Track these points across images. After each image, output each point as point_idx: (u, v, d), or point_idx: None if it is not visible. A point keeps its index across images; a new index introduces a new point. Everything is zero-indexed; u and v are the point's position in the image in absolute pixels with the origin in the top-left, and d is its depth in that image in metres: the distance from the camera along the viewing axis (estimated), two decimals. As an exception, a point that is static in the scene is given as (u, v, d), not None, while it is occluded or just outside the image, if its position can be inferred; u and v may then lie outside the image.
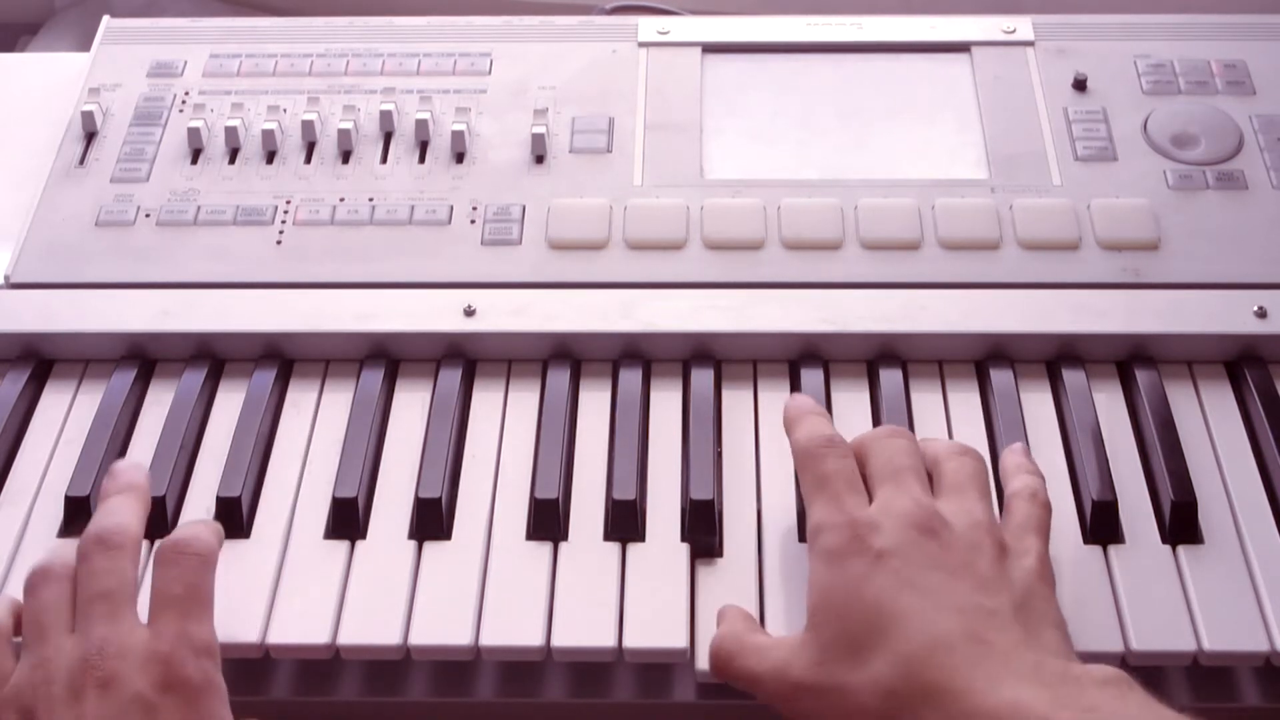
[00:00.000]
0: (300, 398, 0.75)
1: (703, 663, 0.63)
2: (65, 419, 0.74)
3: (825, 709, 0.57)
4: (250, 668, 0.66)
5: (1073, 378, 0.74)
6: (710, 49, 0.89)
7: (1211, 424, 0.72)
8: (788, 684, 0.59)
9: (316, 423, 0.74)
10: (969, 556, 0.59)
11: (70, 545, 0.62)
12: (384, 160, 0.83)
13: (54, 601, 0.59)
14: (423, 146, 0.84)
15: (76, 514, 0.69)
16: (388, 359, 0.76)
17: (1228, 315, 0.74)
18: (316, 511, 0.69)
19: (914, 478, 0.63)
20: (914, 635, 0.56)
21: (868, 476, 0.64)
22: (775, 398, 0.74)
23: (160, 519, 0.68)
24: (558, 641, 0.64)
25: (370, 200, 0.81)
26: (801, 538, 0.66)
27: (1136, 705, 0.54)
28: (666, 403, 0.74)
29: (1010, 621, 0.57)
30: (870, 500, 0.62)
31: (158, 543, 0.61)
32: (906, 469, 0.63)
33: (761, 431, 0.72)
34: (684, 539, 0.68)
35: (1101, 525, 0.67)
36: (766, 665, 0.60)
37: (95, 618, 0.58)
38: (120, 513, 0.62)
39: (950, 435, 0.72)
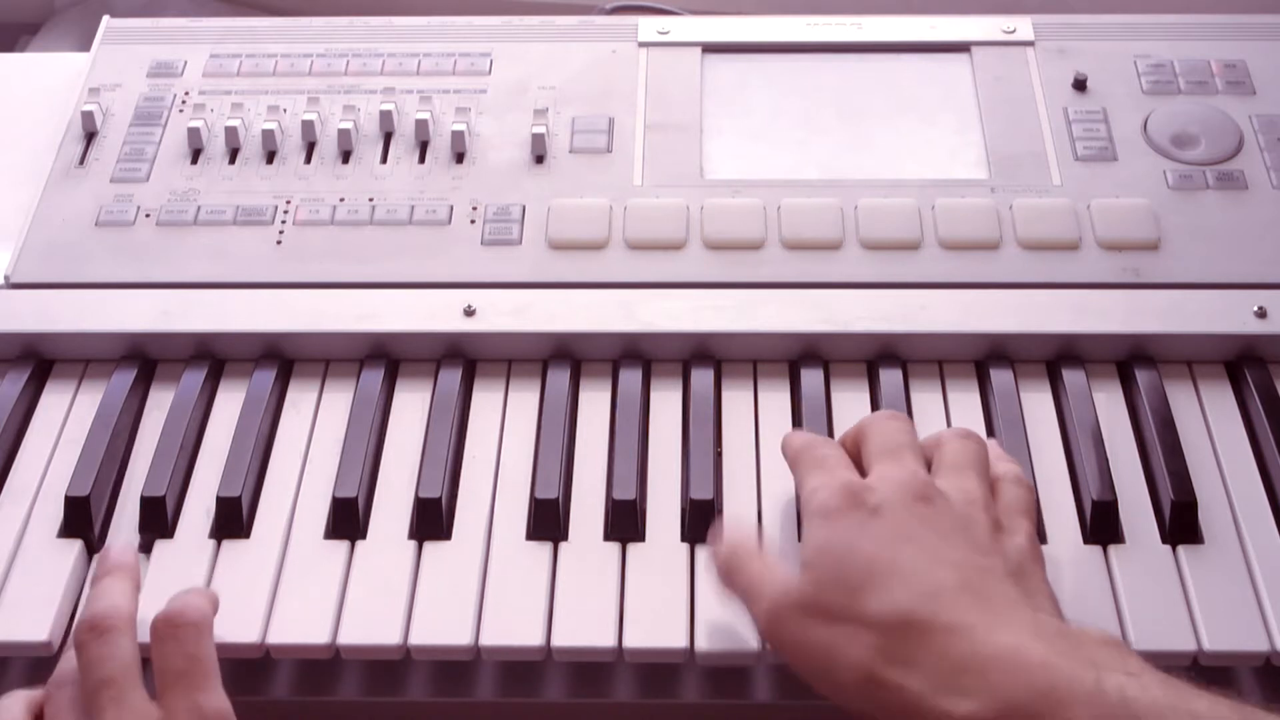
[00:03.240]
0: (300, 398, 0.75)
1: (702, 650, 0.63)
2: (65, 419, 0.74)
3: (815, 637, 0.57)
4: (250, 668, 0.66)
5: (1073, 378, 0.74)
6: (710, 49, 0.89)
7: (1211, 424, 0.72)
8: (786, 601, 0.58)
9: (316, 423, 0.74)
10: (964, 524, 0.59)
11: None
12: (384, 160, 0.83)
13: (70, 702, 0.59)
14: (423, 146, 0.84)
15: (76, 514, 0.69)
16: (388, 359, 0.76)
17: (1228, 315, 0.74)
18: (316, 511, 0.69)
19: (911, 454, 0.63)
20: (911, 581, 0.56)
21: (864, 456, 0.64)
22: (775, 398, 0.74)
23: (160, 519, 0.68)
24: (558, 641, 0.64)
25: (370, 200, 0.81)
26: (800, 510, 0.66)
27: (1136, 664, 0.54)
28: (666, 403, 0.74)
29: (1004, 580, 0.57)
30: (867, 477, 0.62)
31: (151, 620, 0.60)
32: (904, 446, 0.63)
33: (761, 431, 0.72)
34: (684, 539, 0.68)
35: (1101, 525, 0.67)
36: (770, 576, 0.59)
37: (103, 706, 0.57)
38: (109, 595, 0.62)
39: (950, 435, 0.72)
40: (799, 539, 0.66)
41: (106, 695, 0.57)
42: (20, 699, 0.61)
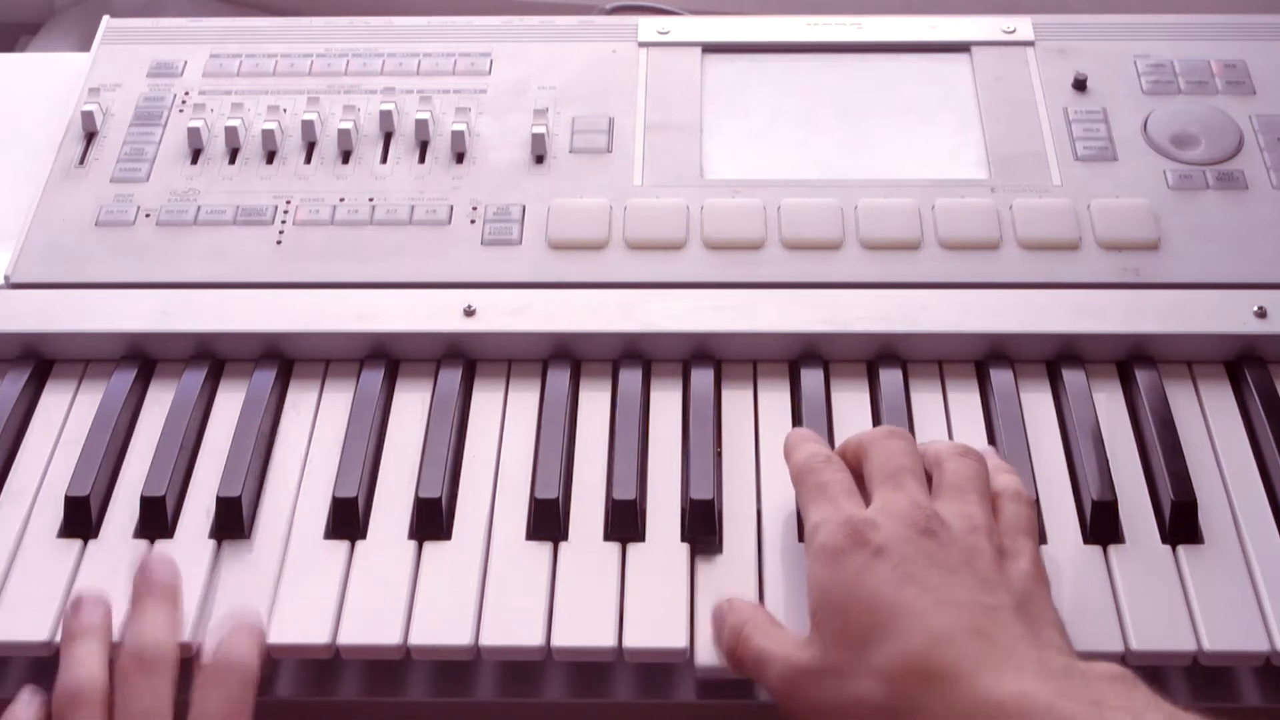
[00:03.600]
0: (300, 398, 0.75)
1: (702, 659, 0.63)
2: (65, 419, 0.74)
3: (826, 699, 0.57)
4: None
5: (1073, 378, 0.74)
6: (710, 49, 0.89)
7: (1211, 424, 0.72)
8: (793, 667, 0.59)
9: (316, 423, 0.74)
10: (967, 557, 0.59)
11: (92, 659, 0.61)
12: (384, 160, 0.83)
13: None
14: (423, 146, 0.84)
15: (76, 514, 0.69)
16: (388, 359, 0.76)
17: (1228, 315, 0.74)
18: (316, 511, 0.69)
19: (912, 478, 0.63)
20: (916, 628, 0.56)
21: (866, 477, 0.64)
22: (775, 398, 0.74)
23: (160, 519, 0.68)
24: (558, 641, 0.64)
25: (370, 200, 0.81)
26: (802, 538, 0.66)
27: (1142, 700, 0.54)
28: (666, 403, 0.74)
29: (1012, 619, 0.57)
30: (868, 505, 0.62)
31: (202, 664, 0.61)
32: (905, 469, 0.63)
33: (761, 431, 0.72)
34: (684, 539, 0.68)
35: (1101, 525, 0.67)
36: (778, 650, 0.60)
37: None
38: (158, 627, 0.62)
39: (950, 435, 0.72)
40: (800, 540, 0.66)
41: None
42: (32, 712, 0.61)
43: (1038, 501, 0.68)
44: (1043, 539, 0.67)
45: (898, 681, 0.55)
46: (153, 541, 0.68)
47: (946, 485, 0.63)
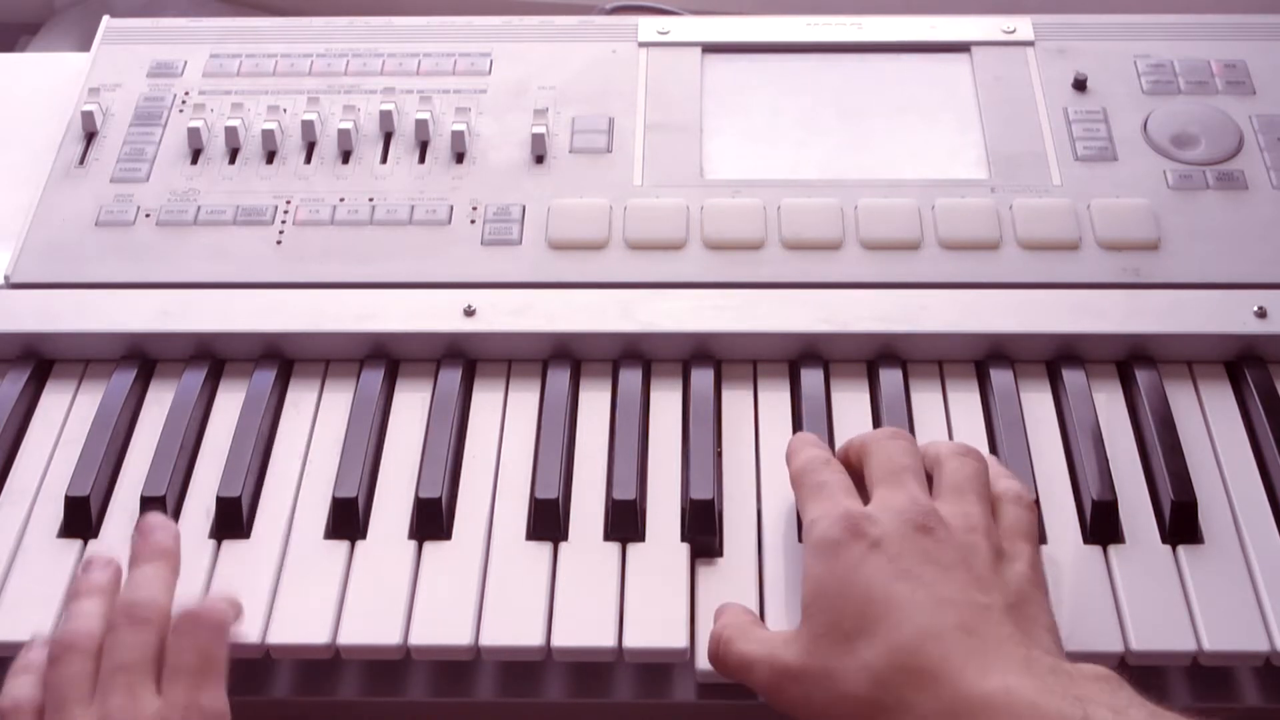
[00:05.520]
0: (300, 398, 0.75)
1: (702, 661, 0.63)
2: (65, 419, 0.74)
3: (813, 696, 0.57)
4: (250, 668, 0.66)
5: (1073, 378, 0.74)
6: (710, 49, 0.89)
7: (1211, 424, 0.72)
8: (778, 669, 0.59)
9: (316, 423, 0.74)
10: (964, 555, 0.59)
11: (93, 613, 0.62)
12: (384, 160, 0.83)
13: (75, 675, 0.60)
14: (423, 146, 0.84)
15: (76, 514, 0.69)
16: (388, 359, 0.76)
17: (1228, 315, 0.74)
18: (316, 511, 0.69)
19: (912, 478, 0.63)
20: (905, 624, 0.56)
21: (866, 477, 0.64)
22: (775, 398, 0.74)
23: (162, 519, 0.68)
24: (558, 641, 0.64)
25: (370, 200, 0.81)
26: (802, 538, 0.66)
27: (1125, 699, 0.54)
28: (666, 403, 0.74)
29: (1002, 618, 0.57)
30: (868, 505, 0.62)
31: (175, 612, 0.62)
32: (905, 469, 0.63)
33: (761, 431, 0.72)
34: (684, 539, 0.68)
35: (1101, 525, 0.67)
36: (760, 652, 0.60)
37: (115, 689, 0.59)
38: (153, 585, 0.63)
39: (950, 435, 0.72)
40: (799, 539, 0.66)
41: (123, 679, 0.59)
42: (33, 670, 0.61)
43: (1037, 502, 0.68)
44: (1043, 539, 0.67)
45: (885, 676, 0.55)
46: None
47: (946, 485, 0.63)
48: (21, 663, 0.62)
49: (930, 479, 0.64)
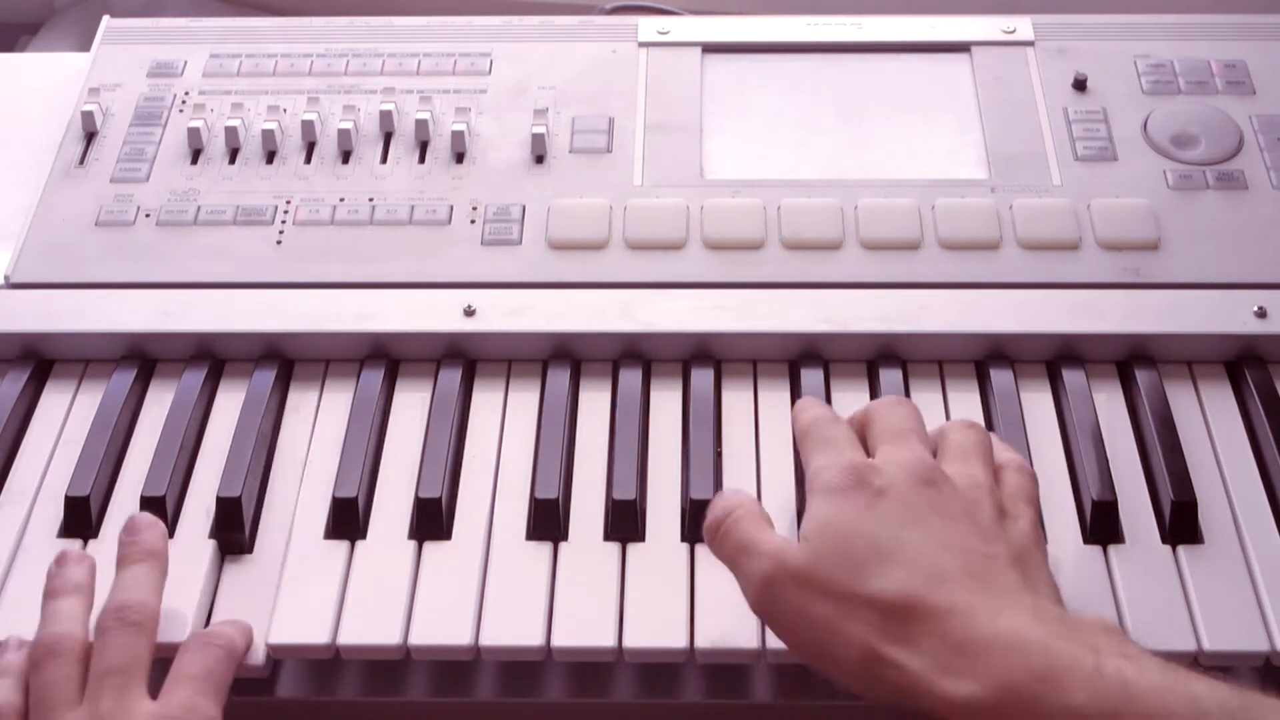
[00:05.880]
0: (300, 398, 0.75)
1: (703, 659, 0.63)
2: (65, 419, 0.74)
3: (813, 609, 0.56)
4: (251, 668, 0.66)
5: (1073, 378, 0.74)
6: (710, 49, 0.89)
7: (1211, 424, 0.72)
8: (783, 564, 0.57)
9: (317, 423, 0.74)
10: (968, 508, 0.59)
11: (73, 614, 0.62)
12: (384, 160, 0.83)
13: (61, 679, 0.60)
14: (423, 146, 0.84)
15: (76, 514, 0.69)
16: (388, 359, 0.76)
17: (1228, 315, 0.74)
18: (316, 511, 0.69)
19: (917, 438, 0.62)
20: (915, 564, 0.56)
21: (870, 439, 0.63)
22: (775, 398, 0.74)
23: (160, 519, 0.68)
24: (558, 641, 0.64)
25: (370, 200, 0.81)
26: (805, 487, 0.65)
27: (1135, 649, 0.54)
28: (666, 403, 0.74)
29: (1007, 567, 0.57)
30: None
31: (190, 634, 0.63)
32: (909, 430, 0.63)
33: (761, 431, 0.72)
34: (684, 539, 0.68)
35: (1101, 525, 0.67)
36: (770, 542, 0.58)
37: (104, 692, 0.59)
38: (142, 587, 0.63)
39: (950, 435, 0.72)
40: (806, 489, 0.65)
41: (112, 682, 0.59)
42: (12, 674, 0.61)
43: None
44: (1043, 538, 0.67)
45: (891, 612, 0.55)
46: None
47: (951, 450, 0.63)
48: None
49: (935, 454, 0.64)
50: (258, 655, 0.64)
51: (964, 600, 0.54)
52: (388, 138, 0.84)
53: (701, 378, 0.74)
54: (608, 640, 0.64)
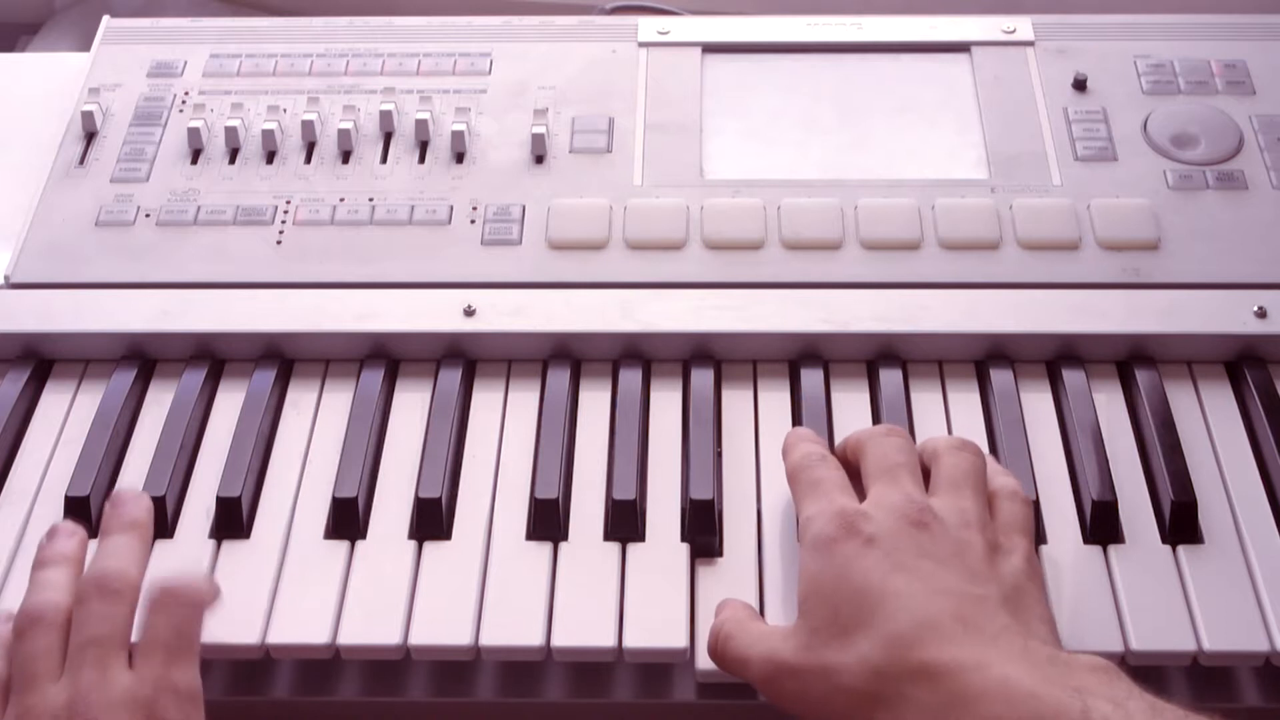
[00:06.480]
0: (300, 398, 0.75)
1: (702, 662, 0.63)
2: (65, 419, 0.74)
3: (811, 691, 0.57)
4: (250, 668, 0.66)
5: (1073, 378, 0.74)
6: (710, 49, 0.89)
7: (1211, 424, 0.72)
8: (774, 665, 0.59)
9: (316, 423, 0.74)
10: (958, 549, 0.59)
11: (59, 584, 0.62)
12: (384, 160, 0.83)
13: (43, 649, 0.59)
14: (423, 146, 0.84)
15: (76, 514, 0.69)
16: (388, 359, 0.76)
17: (1228, 315, 0.74)
18: (316, 511, 0.69)
19: (908, 475, 0.63)
20: (901, 615, 0.56)
21: (862, 474, 0.64)
22: (775, 398, 0.74)
23: (160, 519, 0.68)
24: (558, 641, 0.64)
25: (370, 200, 0.81)
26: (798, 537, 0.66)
27: (1124, 690, 0.54)
28: (666, 403, 0.74)
29: (998, 609, 0.57)
30: (863, 502, 0.62)
31: (150, 584, 0.61)
32: (900, 466, 0.63)
33: (761, 431, 0.72)
34: (684, 539, 0.68)
35: (1101, 525, 0.67)
36: (758, 648, 0.60)
37: (84, 663, 0.58)
38: (123, 556, 0.62)
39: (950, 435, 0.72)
40: (799, 539, 0.66)
41: (92, 653, 0.58)
42: None
43: (1037, 502, 0.68)
44: (1043, 539, 0.67)
45: (882, 668, 0.55)
46: (153, 541, 0.68)
47: (943, 480, 0.63)
48: None
49: (927, 474, 0.64)
50: (253, 635, 0.64)
51: (950, 654, 0.55)
52: (388, 138, 0.84)
53: (701, 378, 0.74)
54: (608, 640, 0.64)
